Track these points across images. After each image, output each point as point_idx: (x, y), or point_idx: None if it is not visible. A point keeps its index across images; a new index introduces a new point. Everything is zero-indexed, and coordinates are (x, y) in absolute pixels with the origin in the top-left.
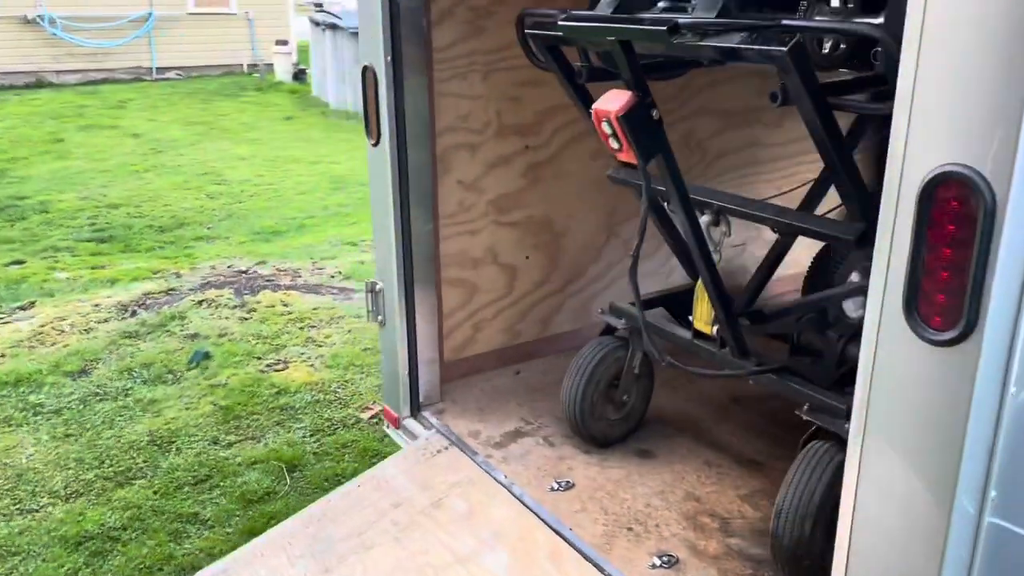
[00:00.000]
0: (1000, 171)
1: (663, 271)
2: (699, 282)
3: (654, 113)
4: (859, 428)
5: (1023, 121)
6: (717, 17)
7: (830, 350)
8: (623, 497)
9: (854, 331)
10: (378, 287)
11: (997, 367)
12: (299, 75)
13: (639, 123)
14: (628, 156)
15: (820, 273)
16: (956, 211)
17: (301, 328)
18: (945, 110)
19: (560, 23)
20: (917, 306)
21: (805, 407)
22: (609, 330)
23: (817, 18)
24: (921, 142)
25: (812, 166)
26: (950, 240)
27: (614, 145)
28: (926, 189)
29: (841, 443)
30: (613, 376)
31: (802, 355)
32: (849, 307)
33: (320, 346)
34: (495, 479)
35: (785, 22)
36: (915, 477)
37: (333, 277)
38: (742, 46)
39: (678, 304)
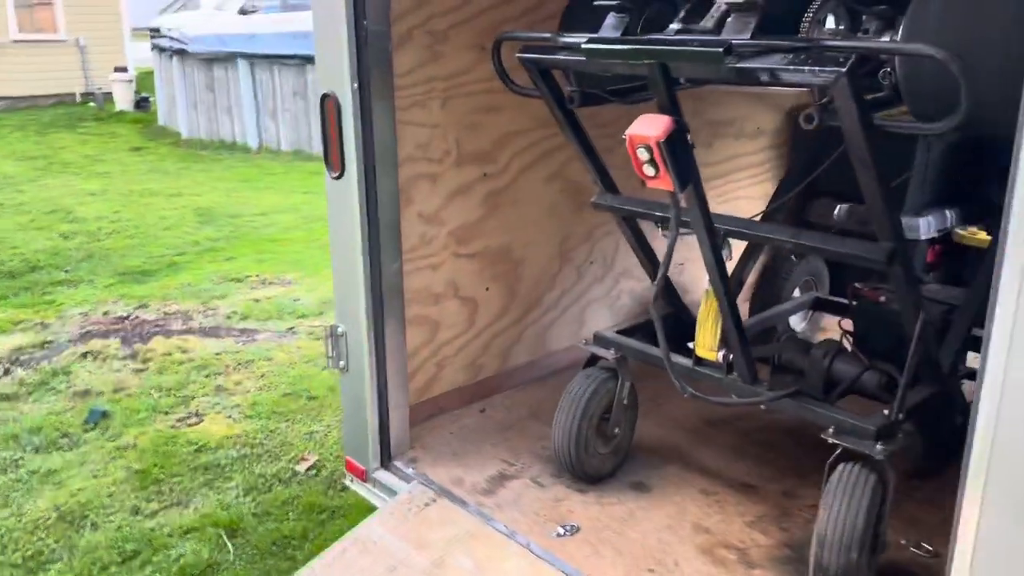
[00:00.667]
0: None
1: (611, 296)
2: (703, 309)
3: (688, 138)
4: (986, 444)
5: None
6: (751, 39)
7: (817, 368)
8: (632, 536)
9: (838, 347)
10: (340, 331)
11: None
12: (141, 103)
13: (678, 148)
14: (664, 183)
15: (768, 288)
16: None
17: (207, 376)
18: None
19: (586, 47)
20: None
21: (831, 430)
22: (593, 361)
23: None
24: None
25: (740, 184)
26: None
27: (649, 172)
28: None
29: (871, 464)
30: (605, 409)
31: (784, 374)
32: (794, 321)
33: (233, 395)
34: (495, 529)
35: (832, 43)
36: None
37: (229, 318)
38: (796, 67)
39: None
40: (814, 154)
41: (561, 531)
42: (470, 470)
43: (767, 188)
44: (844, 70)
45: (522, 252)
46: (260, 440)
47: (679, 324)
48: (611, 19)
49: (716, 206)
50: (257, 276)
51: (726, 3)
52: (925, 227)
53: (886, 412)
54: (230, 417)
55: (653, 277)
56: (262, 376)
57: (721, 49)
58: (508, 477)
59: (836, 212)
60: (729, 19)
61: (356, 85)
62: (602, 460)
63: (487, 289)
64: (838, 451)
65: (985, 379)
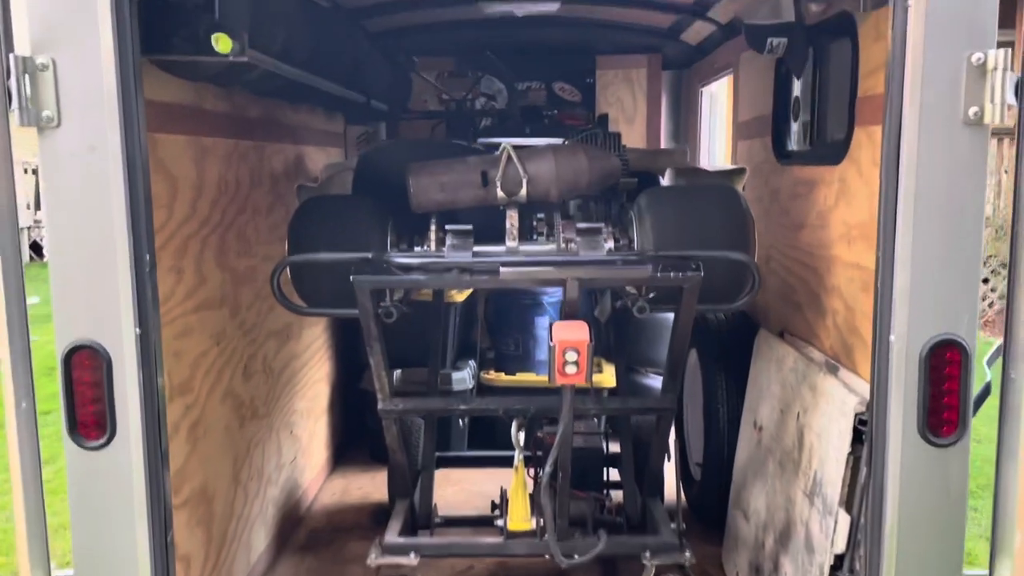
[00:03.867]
0: (971, 333)
1: (263, 511)
2: (513, 486)
3: None
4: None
5: (977, 297)
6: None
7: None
8: None
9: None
10: None
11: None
12: None
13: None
14: (579, 378)
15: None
16: (952, 362)
17: None
18: (929, 296)
19: (506, 271)
20: (928, 424)
21: (647, 554)
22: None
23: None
24: (919, 319)
25: (313, 374)
26: (949, 380)
27: (571, 371)
28: (931, 350)
29: (684, 570)
30: None
31: None
32: None
33: None
34: None
35: (689, 253)
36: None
37: None
38: (664, 273)
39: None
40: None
41: None
42: None
43: (329, 366)
44: (701, 273)
45: (213, 487)
46: None
47: (413, 508)
48: (455, 239)
49: (307, 392)
50: None
51: (578, 228)
52: (468, 376)
53: (673, 526)
54: None
55: (401, 462)
56: None
57: (649, 266)
58: None
59: (395, 376)
60: (578, 239)
61: (139, 331)
62: None
63: (194, 538)
64: (653, 570)
65: (891, 456)
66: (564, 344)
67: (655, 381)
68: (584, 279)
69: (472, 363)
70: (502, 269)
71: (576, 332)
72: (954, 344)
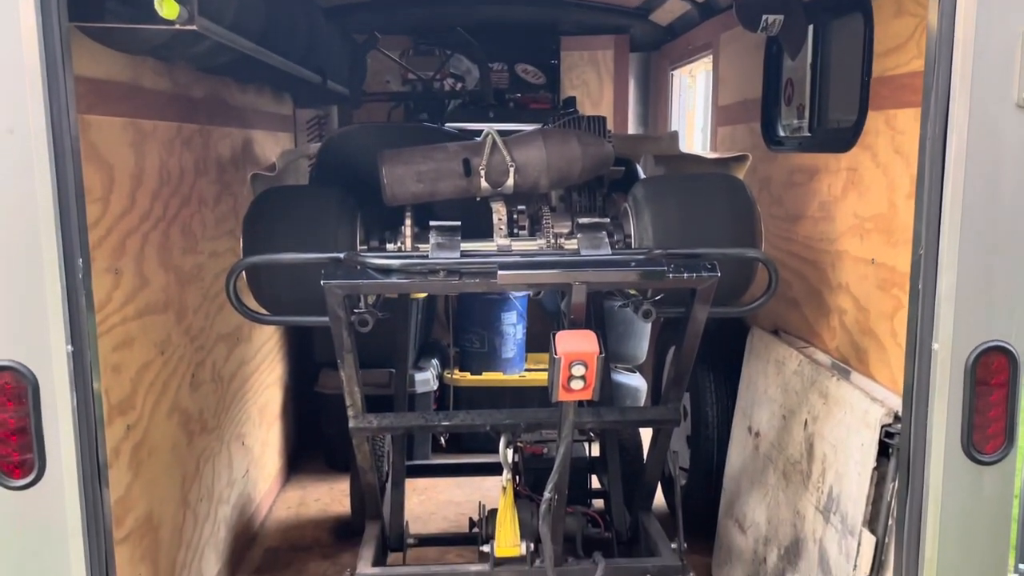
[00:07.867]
0: (1021, 339)
1: (214, 532)
2: (501, 508)
3: None
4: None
5: None
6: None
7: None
8: None
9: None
10: None
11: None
12: None
13: None
14: (585, 394)
15: None
16: (999, 372)
17: None
18: (977, 300)
19: (505, 273)
20: (973, 440)
21: None
22: None
23: None
24: (966, 324)
25: (265, 378)
26: (996, 391)
27: (578, 385)
28: (977, 359)
29: None
30: None
31: None
32: None
33: None
34: None
35: (702, 251)
36: None
37: None
38: (677, 273)
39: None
40: None
41: None
42: None
43: (282, 368)
44: (718, 274)
45: (159, 513)
46: None
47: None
48: (441, 237)
49: (261, 394)
50: None
51: (579, 224)
52: (431, 377)
53: (673, 547)
54: None
55: (371, 482)
56: None
57: (664, 267)
58: None
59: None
60: (579, 236)
61: (72, 348)
62: None
63: (139, 575)
64: None
65: (932, 473)
66: (571, 357)
67: (625, 378)
68: (592, 282)
69: (435, 362)
70: (500, 272)
71: (584, 343)
72: (1003, 351)
